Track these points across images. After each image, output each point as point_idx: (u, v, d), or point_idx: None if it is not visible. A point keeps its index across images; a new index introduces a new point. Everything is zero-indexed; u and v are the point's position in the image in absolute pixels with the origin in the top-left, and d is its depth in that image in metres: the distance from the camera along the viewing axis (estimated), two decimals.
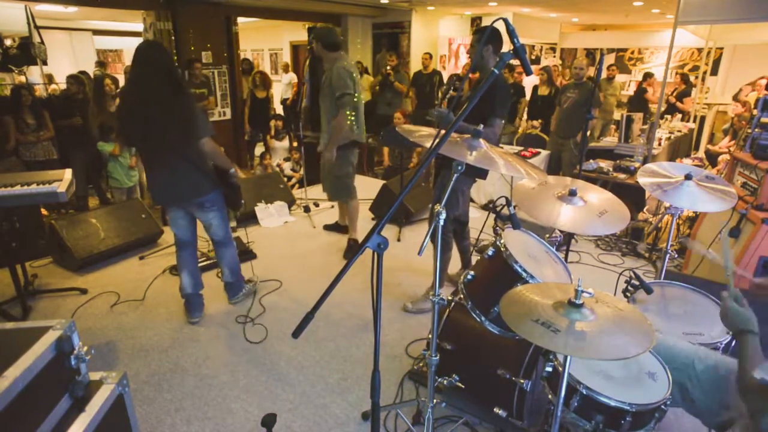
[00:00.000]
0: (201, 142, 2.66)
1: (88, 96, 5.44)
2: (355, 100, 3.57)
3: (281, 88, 9.64)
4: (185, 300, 3.09)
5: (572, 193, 2.12)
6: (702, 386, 1.61)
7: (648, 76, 8.55)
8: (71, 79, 5.35)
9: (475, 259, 3.41)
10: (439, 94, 7.10)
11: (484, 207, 5.19)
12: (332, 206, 5.20)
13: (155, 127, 2.55)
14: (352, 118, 3.61)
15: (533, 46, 12.47)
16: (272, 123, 7.74)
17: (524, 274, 1.87)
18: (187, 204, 2.86)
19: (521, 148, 5.64)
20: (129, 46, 12.08)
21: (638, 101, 7.99)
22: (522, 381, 1.96)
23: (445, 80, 7.87)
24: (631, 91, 11.21)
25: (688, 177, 2.33)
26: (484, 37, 2.78)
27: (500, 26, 1.40)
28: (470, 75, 5.60)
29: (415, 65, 9.18)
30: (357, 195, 3.98)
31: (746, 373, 1.33)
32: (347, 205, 4.02)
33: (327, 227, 4.62)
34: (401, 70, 7.80)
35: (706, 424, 1.62)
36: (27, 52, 5.60)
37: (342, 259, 4.00)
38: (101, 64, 9.42)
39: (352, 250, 4.11)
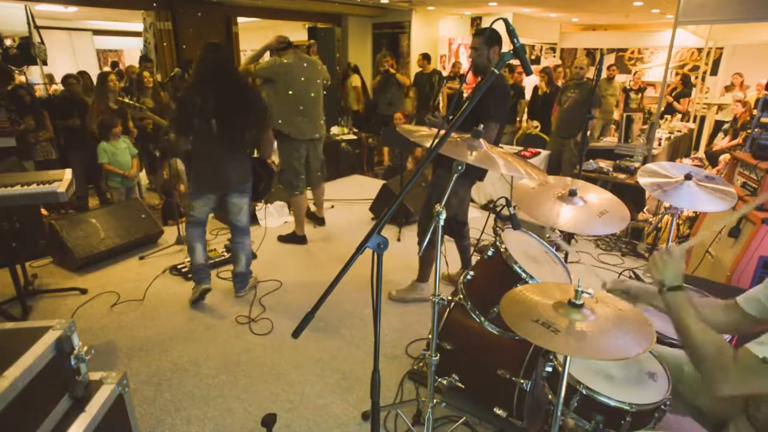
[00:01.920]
0: (268, 132, 3.12)
1: (82, 96, 5.42)
2: (290, 93, 3.77)
3: None
4: (196, 272, 3.21)
5: (572, 193, 2.12)
6: (692, 388, 1.62)
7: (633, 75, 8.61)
8: (73, 79, 5.33)
9: (475, 259, 3.42)
10: (438, 94, 7.08)
11: (484, 207, 5.19)
12: (332, 206, 5.21)
13: (234, 118, 2.88)
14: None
15: (533, 46, 12.47)
16: None
17: (524, 275, 1.87)
18: (235, 189, 3.08)
19: (521, 148, 5.64)
20: (129, 46, 12.09)
21: (626, 107, 8.07)
22: (522, 381, 1.96)
23: (445, 80, 7.86)
24: None
25: (688, 177, 2.33)
26: (486, 37, 2.77)
27: (500, 26, 1.40)
28: (471, 77, 5.62)
29: (415, 65, 9.18)
30: (302, 192, 4.11)
31: (702, 334, 1.24)
32: (292, 201, 4.24)
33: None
34: (401, 70, 7.79)
35: (702, 425, 1.62)
36: (27, 52, 5.59)
37: (342, 258, 4.00)
38: (114, 64, 9.42)
39: (291, 241, 4.35)
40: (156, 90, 5.50)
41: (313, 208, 4.79)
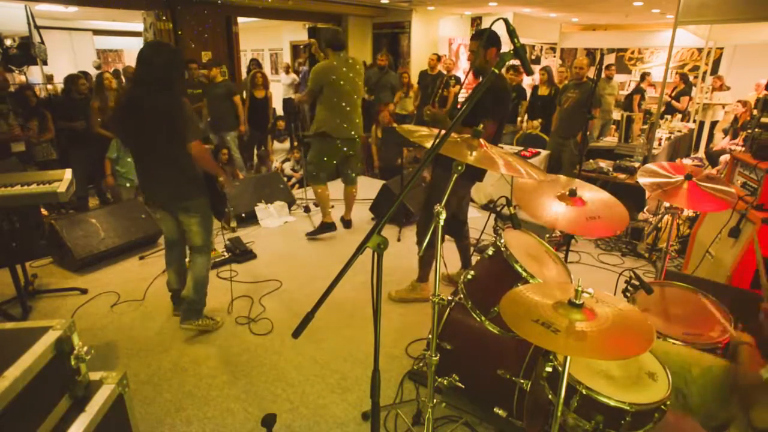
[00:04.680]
0: (188, 146, 2.60)
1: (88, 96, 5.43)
2: (334, 94, 3.91)
3: (282, 88, 9.65)
4: (172, 294, 3.14)
5: (572, 193, 2.12)
6: (699, 390, 1.61)
7: (645, 75, 8.62)
8: (83, 79, 5.32)
9: (475, 259, 3.42)
10: (444, 94, 7.05)
11: (484, 207, 5.19)
12: (332, 206, 5.20)
13: (144, 127, 2.56)
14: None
15: (533, 46, 12.47)
16: (275, 124, 7.71)
17: (524, 274, 1.87)
18: (170, 206, 2.82)
19: (521, 148, 5.64)
20: (129, 46, 12.09)
21: (629, 105, 8.08)
22: (522, 381, 1.96)
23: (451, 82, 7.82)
24: (631, 90, 11.24)
25: (688, 177, 2.33)
26: (482, 40, 2.77)
27: (500, 26, 1.40)
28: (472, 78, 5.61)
29: (416, 65, 9.17)
30: (324, 183, 4.24)
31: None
32: (315, 192, 4.36)
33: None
34: (391, 71, 7.62)
35: (704, 427, 1.62)
36: (27, 52, 5.60)
37: (342, 258, 4.00)
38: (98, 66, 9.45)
39: (321, 231, 4.43)
40: None
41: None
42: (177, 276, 3.07)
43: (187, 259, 3.11)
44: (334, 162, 4.20)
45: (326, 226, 4.40)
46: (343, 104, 3.97)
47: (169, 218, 2.88)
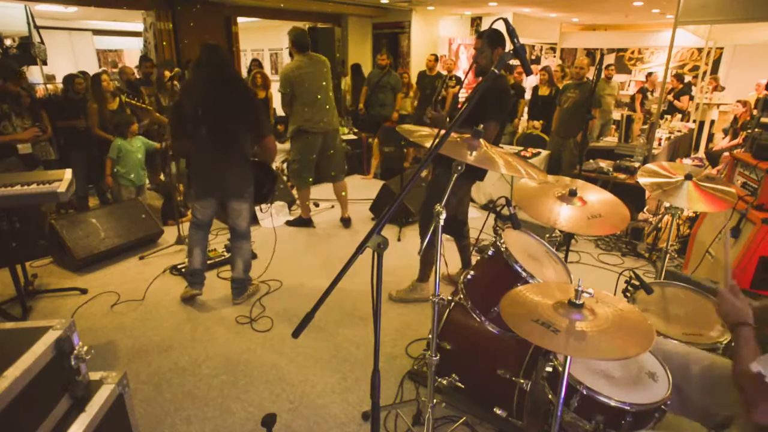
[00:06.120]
0: (266, 139, 2.98)
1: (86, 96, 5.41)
2: (307, 91, 4.09)
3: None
4: (190, 275, 3.23)
5: (572, 194, 2.12)
6: (698, 388, 1.61)
7: (649, 75, 8.64)
8: (80, 78, 5.31)
9: (475, 259, 3.42)
10: (443, 95, 7.04)
11: (484, 207, 5.19)
12: (332, 206, 5.20)
13: (227, 122, 2.82)
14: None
15: (533, 46, 12.47)
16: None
17: (524, 274, 1.87)
18: (230, 194, 3.04)
19: (521, 148, 5.64)
20: (129, 46, 12.08)
21: (631, 105, 8.11)
22: (522, 381, 1.96)
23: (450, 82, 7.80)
24: (631, 90, 11.24)
25: (688, 177, 2.33)
26: (489, 39, 2.77)
27: (500, 26, 1.40)
28: (472, 77, 5.60)
29: (415, 65, 9.16)
30: (307, 185, 4.45)
31: (741, 364, 1.36)
32: (298, 191, 4.60)
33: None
34: (393, 72, 7.64)
35: (705, 425, 1.62)
36: (27, 52, 5.60)
37: (342, 258, 4.00)
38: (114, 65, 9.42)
39: (299, 224, 4.74)
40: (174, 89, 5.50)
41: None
42: (202, 255, 3.21)
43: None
44: (314, 157, 4.32)
45: (304, 222, 4.68)
46: (315, 100, 4.11)
47: (213, 206, 3.11)
